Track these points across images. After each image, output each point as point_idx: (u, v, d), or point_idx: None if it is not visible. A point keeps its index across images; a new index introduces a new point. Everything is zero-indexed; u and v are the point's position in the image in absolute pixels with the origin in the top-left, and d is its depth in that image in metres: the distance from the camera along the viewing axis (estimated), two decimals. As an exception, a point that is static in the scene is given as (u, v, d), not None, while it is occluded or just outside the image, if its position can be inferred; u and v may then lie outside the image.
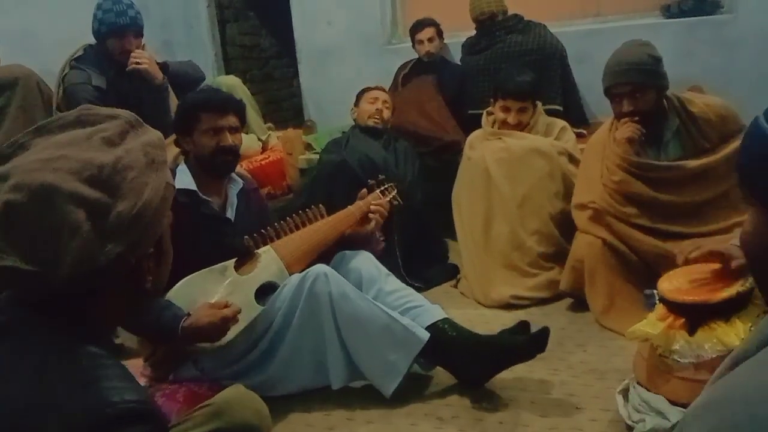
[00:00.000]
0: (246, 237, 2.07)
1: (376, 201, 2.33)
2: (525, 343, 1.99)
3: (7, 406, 0.80)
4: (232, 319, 1.85)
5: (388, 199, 2.41)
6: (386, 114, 3.27)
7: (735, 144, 2.36)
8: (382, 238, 2.38)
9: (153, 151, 0.91)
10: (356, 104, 3.35)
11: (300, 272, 2.06)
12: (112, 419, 0.81)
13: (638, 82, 2.31)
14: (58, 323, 0.87)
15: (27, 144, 0.88)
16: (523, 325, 2.07)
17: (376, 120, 3.22)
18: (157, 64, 2.85)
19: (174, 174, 2.09)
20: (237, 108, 2.15)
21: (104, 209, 0.84)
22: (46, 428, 0.79)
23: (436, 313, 2.10)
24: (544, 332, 1.97)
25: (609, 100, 2.44)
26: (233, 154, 2.12)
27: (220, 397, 1.41)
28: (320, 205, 2.28)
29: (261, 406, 1.45)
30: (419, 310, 2.11)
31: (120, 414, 0.82)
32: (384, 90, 3.41)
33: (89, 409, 0.81)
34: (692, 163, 2.37)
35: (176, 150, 2.29)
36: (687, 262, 1.71)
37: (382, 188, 2.44)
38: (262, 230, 2.13)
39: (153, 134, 0.94)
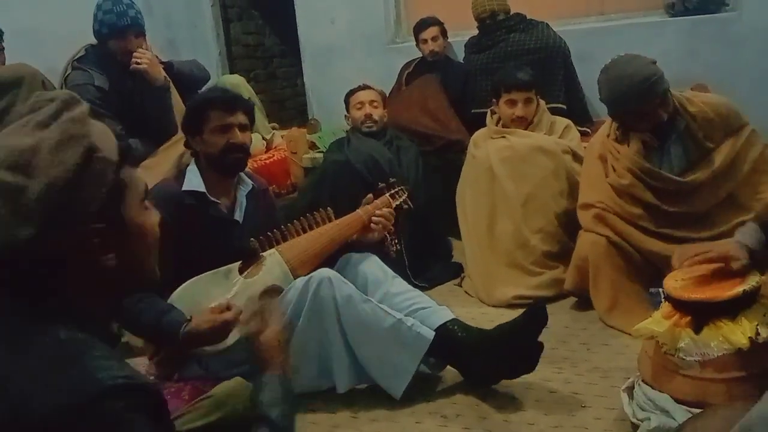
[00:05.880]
0: (252, 239, 2.06)
1: (381, 209, 2.27)
2: (523, 320, 1.97)
3: None
4: (234, 322, 1.82)
5: (397, 203, 2.37)
6: (377, 114, 3.21)
7: (738, 141, 2.35)
8: (395, 244, 2.32)
9: (72, 127, 0.89)
10: (347, 110, 3.31)
11: (305, 276, 2.05)
12: (100, 396, 0.79)
13: (632, 113, 2.31)
14: (31, 308, 0.86)
15: None
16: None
17: (368, 126, 3.19)
18: (162, 63, 2.84)
19: (183, 175, 2.09)
20: (246, 107, 2.14)
21: (18, 192, 0.84)
22: (33, 412, 0.78)
23: (444, 315, 2.09)
24: (539, 304, 1.95)
25: None
26: (243, 152, 2.10)
27: (221, 389, 1.42)
28: (328, 209, 2.25)
29: None
30: (427, 312, 2.10)
31: (108, 389, 0.80)
32: (368, 87, 3.30)
33: (75, 387, 0.79)
34: (701, 177, 2.34)
35: (182, 150, 2.28)
36: (683, 266, 1.72)
37: (392, 191, 2.39)
38: (269, 233, 2.11)
39: (78, 110, 0.92)
